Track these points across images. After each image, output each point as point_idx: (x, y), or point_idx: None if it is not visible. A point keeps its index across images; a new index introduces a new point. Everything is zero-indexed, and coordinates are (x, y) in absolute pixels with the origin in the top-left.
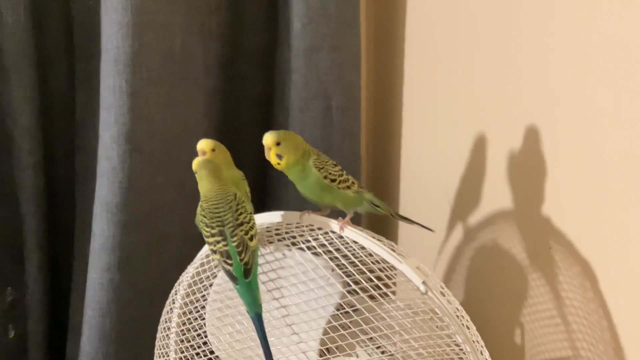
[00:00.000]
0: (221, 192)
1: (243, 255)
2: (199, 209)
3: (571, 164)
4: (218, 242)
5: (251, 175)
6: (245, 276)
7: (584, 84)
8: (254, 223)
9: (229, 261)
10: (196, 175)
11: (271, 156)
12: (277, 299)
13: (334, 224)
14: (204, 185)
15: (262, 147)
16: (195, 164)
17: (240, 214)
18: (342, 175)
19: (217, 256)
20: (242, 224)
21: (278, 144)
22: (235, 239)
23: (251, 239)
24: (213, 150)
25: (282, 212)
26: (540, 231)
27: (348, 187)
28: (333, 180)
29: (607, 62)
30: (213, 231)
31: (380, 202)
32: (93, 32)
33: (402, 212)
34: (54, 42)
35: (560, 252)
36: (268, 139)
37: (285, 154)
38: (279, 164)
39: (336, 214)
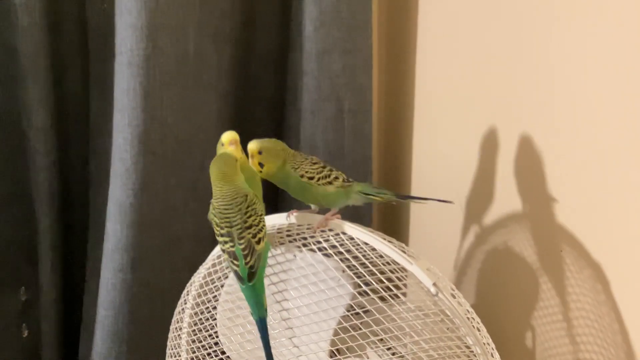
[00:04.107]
0: (232, 193)
1: (249, 258)
2: (211, 206)
3: (584, 167)
4: (226, 242)
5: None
6: (249, 279)
7: (600, 86)
8: (264, 225)
9: (236, 262)
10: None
11: (254, 164)
12: (288, 300)
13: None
14: (215, 183)
15: None
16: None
17: (250, 216)
18: (321, 171)
19: (226, 256)
20: (250, 226)
21: (260, 152)
22: (242, 241)
23: (258, 242)
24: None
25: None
26: (551, 234)
27: (329, 183)
28: (311, 178)
29: (625, 64)
30: (222, 231)
31: (377, 190)
32: (107, 35)
33: (413, 214)
34: (69, 45)
35: (571, 255)
36: (251, 147)
37: (266, 162)
38: (260, 171)
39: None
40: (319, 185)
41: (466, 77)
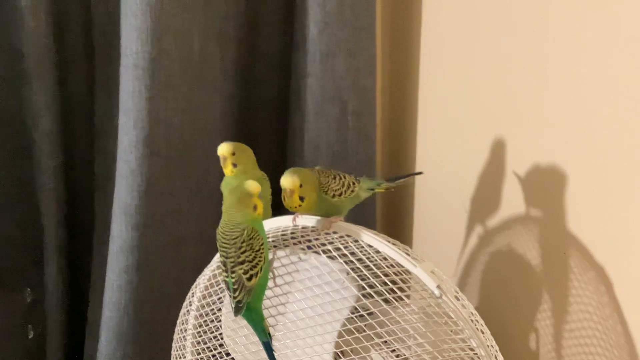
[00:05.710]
0: (232, 224)
1: (237, 293)
2: (218, 228)
3: (587, 170)
4: (223, 271)
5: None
6: (235, 312)
7: (605, 90)
8: (259, 261)
9: (229, 292)
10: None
11: (294, 200)
12: (292, 302)
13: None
14: (224, 209)
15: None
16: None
17: (244, 251)
18: (343, 184)
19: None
20: (243, 262)
21: (300, 185)
22: (234, 275)
23: (250, 278)
24: (233, 154)
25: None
26: (555, 236)
27: (352, 191)
28: (340, 194)
29: (631, 68)
30: (220, 259)
31: (375, 182)
32: (112, 37)
33: (417, 217)
34: (74, 47)
35: (575, 257)
36: (294, 182)
37: (307, 195)
38: (300, 205)
39: None
40: (347, 197)
41: (470, 79)
